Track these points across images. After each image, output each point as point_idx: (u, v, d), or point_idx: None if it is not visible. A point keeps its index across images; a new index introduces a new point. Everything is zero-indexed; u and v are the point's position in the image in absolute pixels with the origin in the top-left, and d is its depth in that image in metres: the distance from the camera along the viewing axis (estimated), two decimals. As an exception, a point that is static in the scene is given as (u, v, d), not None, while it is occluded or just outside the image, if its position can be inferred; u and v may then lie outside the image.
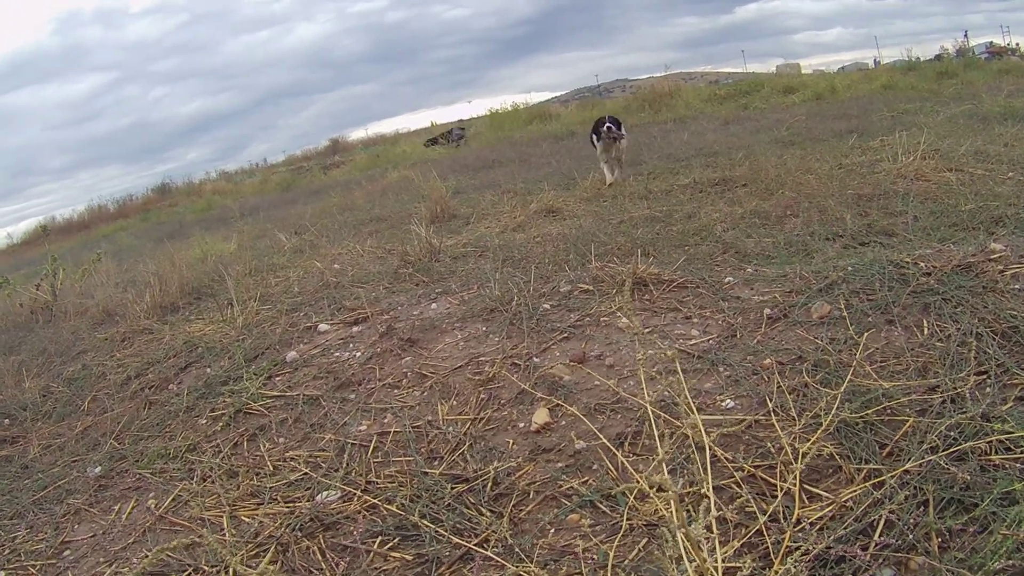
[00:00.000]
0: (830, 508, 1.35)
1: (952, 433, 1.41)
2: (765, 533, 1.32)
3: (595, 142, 5.22)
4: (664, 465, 1.23)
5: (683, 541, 1.11)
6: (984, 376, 1.59)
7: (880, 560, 1.21)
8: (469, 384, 2.09)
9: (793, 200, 3.41)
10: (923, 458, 1.36)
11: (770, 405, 1.66)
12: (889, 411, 1.54)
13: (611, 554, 1.37)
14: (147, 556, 1.60)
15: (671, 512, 1.16)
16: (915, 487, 1.32)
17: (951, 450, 1.37)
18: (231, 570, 1.47)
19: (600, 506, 1.53)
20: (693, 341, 2.05)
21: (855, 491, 1.37)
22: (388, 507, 1.65)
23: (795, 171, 4.09)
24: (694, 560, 1.10)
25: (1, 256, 14.73)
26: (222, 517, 1.76)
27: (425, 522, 1.56)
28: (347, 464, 1.88)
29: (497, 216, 4.61)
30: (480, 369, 2.15)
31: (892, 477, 1.35)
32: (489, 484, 1.66)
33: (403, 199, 6.66)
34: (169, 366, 2.80)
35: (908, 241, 2.58)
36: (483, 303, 2.56)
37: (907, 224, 2.80)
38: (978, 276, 1.98)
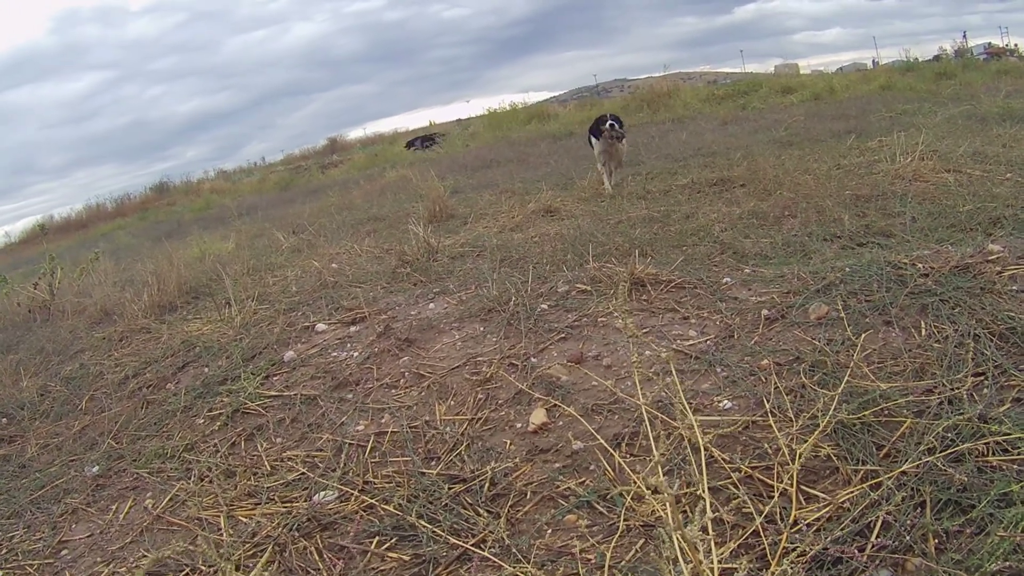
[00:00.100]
0: (827, 509, 1.35)
1: (949, 434, 1.42)
2: (762, 534, 1.32)
3: (593, 142, 5.01)
4: (660, 467, 1.23)
5: (679, 542, 1.11)
6: (982, 377, 1.60)
7: (877, 561, 1.21)
8: (467, 384, 2.09)
9: (791, 201, 3.41)
10: (920, 459, 1.36)
11: (767, 406, 1.65)
12: (886, 412, 1.54)
13: (608, 555, 1.37)
14: (145, 557, 1.60)
15: (668, 513, 1.16)
16: (912, 488, 1.32)
17: (948, 451, 1.37)
18: (225, 573, 1.47)
19: (597, 507, 1.53)
20: (690, 341, 2.05)
21: (852, 492, 1.37)
22: (385, 507, 1.65)
23: (793, 171, 4.09)
24: (690, 561, 1.10)
25: (-1, 255, 14.72)
26: (219, 517, 1.76)
27: (422, 522, 1.56)
28: (344, 464, 1.87)
29: (495, 216, 4.61)
30: (478, 369, 2.15)
31: (889, 478, 1.35)
32: (486, 484, 1.66)
33: (401, 199, 6.65)
34: (167, 365, 2.80)
35: (906, 242, 2.58)
36: (481, 303, 2.56)
37: (905, 225, 2.80)
38: (976, 277, 1.98)
